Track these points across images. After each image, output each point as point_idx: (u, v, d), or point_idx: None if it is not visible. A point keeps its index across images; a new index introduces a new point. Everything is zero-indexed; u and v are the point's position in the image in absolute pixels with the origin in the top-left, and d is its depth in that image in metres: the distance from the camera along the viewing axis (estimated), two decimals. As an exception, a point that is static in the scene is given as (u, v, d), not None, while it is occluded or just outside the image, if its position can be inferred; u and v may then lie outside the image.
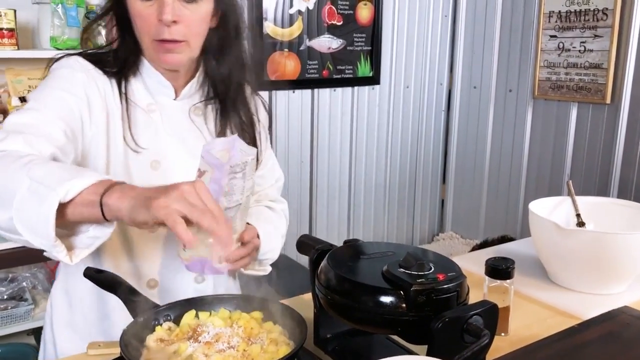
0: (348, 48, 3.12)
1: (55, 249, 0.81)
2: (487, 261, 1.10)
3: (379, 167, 3.44)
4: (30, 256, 2.19)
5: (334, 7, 3.02)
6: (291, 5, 2.89)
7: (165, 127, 1.15)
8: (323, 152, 3.19)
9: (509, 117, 3.29)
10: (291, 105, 3.02)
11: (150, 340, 0.85)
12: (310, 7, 2.95)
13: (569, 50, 2.92)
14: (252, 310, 0.93)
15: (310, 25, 2.96)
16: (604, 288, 1.24)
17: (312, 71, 3.02)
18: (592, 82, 2.83)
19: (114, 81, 1.12)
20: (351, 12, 3.09)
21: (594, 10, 2.79)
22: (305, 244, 1.13)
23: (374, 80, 3.26)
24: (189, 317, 0.91)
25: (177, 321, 0.91)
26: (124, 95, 1.12)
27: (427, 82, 3.52)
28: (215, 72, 1.15)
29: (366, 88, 3.26)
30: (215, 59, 1.14)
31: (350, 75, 3.16)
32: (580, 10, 2.84)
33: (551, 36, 2.99)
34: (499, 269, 1.08)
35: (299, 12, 2.92)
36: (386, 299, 0.86)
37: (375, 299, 0.87)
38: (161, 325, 0.89)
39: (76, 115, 1.04)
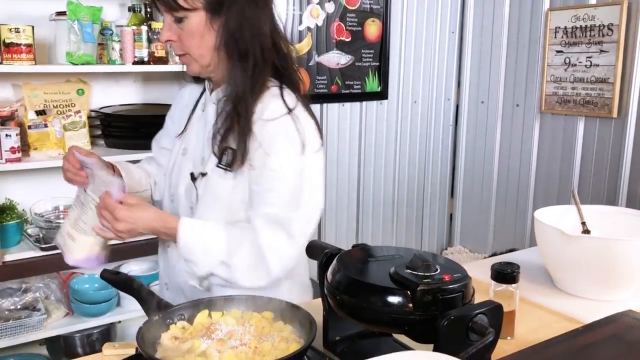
0: (356, 64, 3.17)
1: None
2: (492, 266, 1.12)
3: (387, 182, 3.46)
4: (42, 267, 2.23)
5: (342, 24, 3.07)
6: (300, 22, 2.94)
7: (199, 120, 1.34)
8: (331, 166, 3.22)
9: (516, 132, 3.32)
10: (300, 119, 3.06)
11: (165, 338, 0.88)
12: (319, 24, 3.00)
13: (575, 65, 2.95)
14: (263, 311, 0.96)
15: (319, 42, 3.02)
16: (610, 294, 1.26)
17: (321, 86, 3.06)
18: (599, 97, 2.86)
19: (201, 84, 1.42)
20: (359, 28, 3.14)
21: (599, 25, 2.82)
22: (315, 247, 1.16)
23: (382, 95, 3.30)
24: (202, 317, 0.94)
25: (190, 321, 0.94)
26: (198, 94, 1.41)
27: (435, 98, 3.55)
28: (229, 79, 1.23)
29: (374, 103, 3.30)
30: (227, 56, 1.21)
31: (359, 91, 3.21)
32: (586, 25, 2.88)
33: (557, 51, 3.02)
34: (505, 273, 1.10)
35: (308, 28, 2.97)
36: (394, 299, 0.89)
37: (383, 298, 0.90)
38: (175, 324, 0.92)
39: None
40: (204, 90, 1.36)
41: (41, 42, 2.29)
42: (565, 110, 3.02)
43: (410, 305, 0.88)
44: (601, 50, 2.83)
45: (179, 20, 1.19)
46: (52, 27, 2.27)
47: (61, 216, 2.32)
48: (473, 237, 3.66)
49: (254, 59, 1.20)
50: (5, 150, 2.09)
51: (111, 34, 2.35)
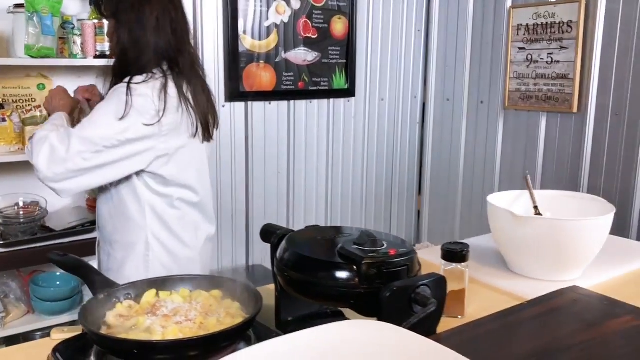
0: (323, 60, 3.18)
1: None
2: (442, 245, 1.14)
3: (355, 178, 3.48)
4: (1, 264, 2.19)
5: (308, 21, 3.09)
6: (267, 18, 2.95)
7: None
8: (300, 163, 3.23)
9: (481, 129, 3.37)
10: (268, 116, 3.06)
11: (111, 315, 0.87)
12: (285, 21, 3.01)
13: (537, 61, 3.01)
14: (212, 289, 0.96)
15: (286, 38, 3.02)
16: (560, 274, 1.28)
17: (287, 83, 3.07)
18: (560, 92, 2.92)
19: None
20: (326, 25, 3.16)
21: (559, 22, 2.88)
22: (268, 231, 1.16)
23: (349, 92, 3.32)
24: (149, 296, 0.93)
25: (137, 300, 0.93)
26: None
27: (402, 95, 3.59)
28: None
29: (342, 100, 3.32)
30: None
31: (326, 87, 3.22)
32: (547, 23, 2.94)
33: (520, 48, 3.08)
34: (454, 252, 1.12)
35: (275, 25, 2.98)
36: (340, 274, 0.90)
37: (330, 273, 0.90)
38: (122, 302, 0.91)
39: None
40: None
41: (-1, 35, 2.26)
42: (528, 107, 3.08)
43: (356, 279, 0.89)
44: (561, 47, 2.89)
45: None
46: (11, 19, 2.23)
47: (21, 212, 2.28)
48: (440, 233, 3.69)
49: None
50: (-38, 144, 2.06)
51: (72, 28, 2.33)
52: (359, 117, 3.41)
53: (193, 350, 0.79)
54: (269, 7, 2.94)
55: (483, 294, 1.25)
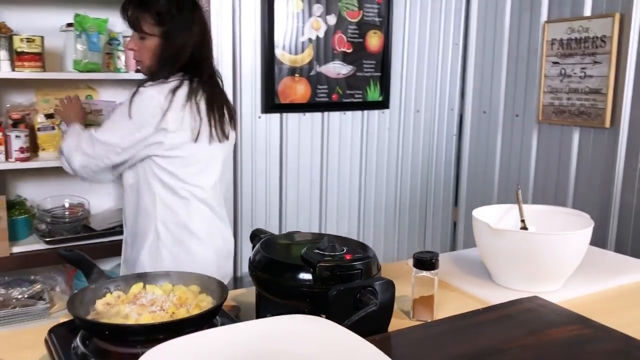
0: (357, 74, 3.28)
1: None
2: (414, 254, 1.22)
3: (389, 189, 3.55)
4: (48, 259, 2.41)
5: (343, 36, 3.20)
6: (303, 34, 3.08)
7: None
8: (333, 173, 3.33)
9: (516, 142, 3.37)
10: (302, 127, 3.19)
11: (99, 303, 1.01)
12: (321, 36, 3.13)
13: (570, 76, 3.00)
14: (191, 284, 1.08)
15: (320, 53, 3.14)
16: (538, 286, 1.33)
17: (322, 95, 3.19)
18: (592, 107, 2.90)
19: None
20: (361, 40, 3.26)
21: (593, 37, 2.87)
22: (255, 235, 1.27)
23: (383, 104, 3.40)
24: (136, 287, 1.06)
25: (127, 291, 1.06)
26: None
27: (438, 107, 3.63)
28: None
29: (376, 112, 3.41)
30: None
31: (360, 100, 3.32)
32: (581, 37, 2.93)
33: (554, 62, 3.07)
34: (424, 261, 1.20)
35: (310, 40, 3.11)
36: (298, 274, 1.00)
37: (290, 274, 1.01)
38: (112, 292, 1.05)
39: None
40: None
41: (53, 51, 2.48)
42: (561, 121, 3.07)
43: (311, 279, 0.99)
44: (595, 62, 2.87)
45: (143, 38, 1.78)
46: (63, 37, 2.46)
47: (66, 213, 2.50)
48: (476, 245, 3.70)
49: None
50: (15, 150, 2.28)
51: (118, 44, 2.54)
52: (394, 128, 3.49)
53: (161, 334, 0.91)
54: (304, 23, 3.08)
55: (459, 301, 1.32)
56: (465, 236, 3.78)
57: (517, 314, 1.05)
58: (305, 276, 0.99)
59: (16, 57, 2.26)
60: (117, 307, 0.99)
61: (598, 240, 2.93)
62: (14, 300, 2.42)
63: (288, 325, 0.83)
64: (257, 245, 1.09)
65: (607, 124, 2.84)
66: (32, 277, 2.53)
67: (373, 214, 3.53)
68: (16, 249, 2.34)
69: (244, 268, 3.11)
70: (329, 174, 3.32)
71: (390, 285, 0.98)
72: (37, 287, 2.50)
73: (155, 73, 1.76)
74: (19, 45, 2.26)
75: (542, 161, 3.23)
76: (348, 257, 1.01)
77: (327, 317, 0.95)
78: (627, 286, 1.41)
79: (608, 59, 2.81)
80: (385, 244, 3.61)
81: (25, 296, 2.46)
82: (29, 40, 2.26)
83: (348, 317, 0.93)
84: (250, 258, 1.09)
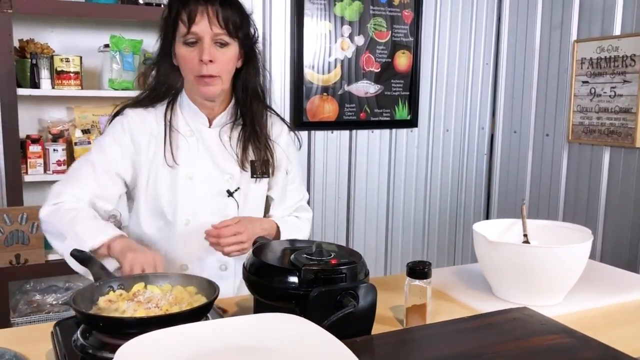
0: (386, 93, 3.33)
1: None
2: (407, 264, 1.25)
3: (417, 207, 3.56)
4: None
5: (371, 56, 3.26)
6: (330, 54, 3.16)
7: (200, 148, 1.52)
8: (360, 191, 3.37)
9: (546, 161, 3.34)
10: (329, 145, 3.25)
11: (102, 300, 1.08)
12: (349, 56, 3.20)
13: (600, 95, 2.97)
14: (188, 286, 1.14)
15: (349, 72, 3.21)
16: (538, 300, 1.34)
17: (350, 113, 3.25)
18: (622, 127, 2.86)
19: (159, 113, 1.50)
20: (389, 60, 3.31)
21: (622, 56, 2.84)
22: (256, 242, 1.33)
23: (411, 123, 3.44)
24: (138, 286, 1.13)
25: (129, 290, 1.14)
26: (168, 123, 1.50)
27: (469, 126, 3.64)
28: (239, 101, 1.54)
29: (404, 130, 3.44)
30: (240, 91, 1.53)
31: (388, 118, 3.36)
32: (610, 56, 2.90)
33: (583, 82, 3.05)
34: (417, 270, 1.23)
35: (338, 60, 3.18)
36: (285, 277, 1.05)
37: (277, 277, 1.06)
38: (114, 290, 1.12)
39: (126, 160, 1.48)
40: (166, 117, 1.50)
41: (91, 70, 2.64)
42: (591, 140, 3.03)
43: (297, 282, 1.03)
44: (624, 81, 2.84)
45: (223, 45, 1.42)
46: (100, 57, 2.61)
47: (100, 223, 2.62)
48: (506, 266, 3.66)
49: (262, 90, 1.58)
50: (53, 163, 2.43)
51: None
52: (422, 147, 3.51)
53: (152, 328, 0.97)
54: (333, 43, 3.16)
55: (453, 311, 1.34)
56: (495, 256, 3.74)
57: (501, 322, 1.06)
58: (292, 279, 1.04)
59: (56, 75, 2.41)
60: (117, 304, 1.06)
61: (631, 262, 2.86)
62: (48, 306, 2.55)
63: (264, 323, 0.88)
64: (250, 250, 1.15)
65: (638, 143, 2.79)
66: (66, 284, 2.66)
67: (401, 232, 3.54)
68: (51, 257, 2.47)
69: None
70: (357, 191, 3.36)
71: (371, 290, 1.02)
72: (72, 293, 2.62)
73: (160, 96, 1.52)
74: (59, 64, 2.41)
75: (572, 181, 3.18)
76: (333, 262, 1.05)
77: (307, 317, 0.99)
78: (630, 303, 1.40)
79: (638, 78, 2.77)
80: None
81: (60, 302, 2.59)
82: (68, 60, 2.41)
83: (326, 318, 0.97)
84: (244, 263, 1.15)
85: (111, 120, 1.53)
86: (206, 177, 1.52)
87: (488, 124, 3.70)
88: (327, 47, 3.15)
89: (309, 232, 1.72)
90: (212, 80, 1.43)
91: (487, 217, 3.79)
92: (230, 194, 1.53)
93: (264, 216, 1.63)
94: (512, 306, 1.33)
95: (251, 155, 1.54)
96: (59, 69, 2.41)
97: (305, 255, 1.07)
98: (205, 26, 1.39)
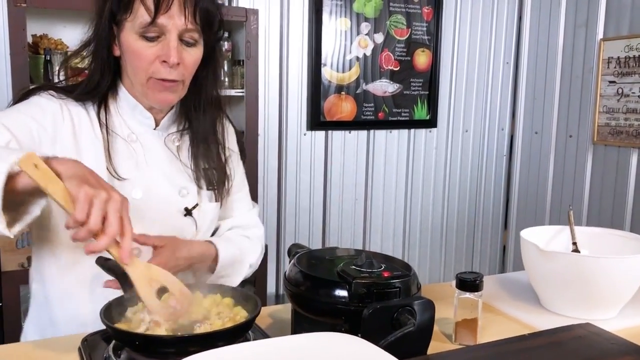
0: (404, 92, 3.24)
1: None
2: (457, 275, 1.16)
3: (435, 209, 3.48)
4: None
5: (391, 54, 3.17)
6: (350, 52, 3.07)
7: (146, 157, 1.23)
8: (378, 192, 3.29)
9: (569, 163, 3.25)
10: (347, 145, 3.17)
11: (130, 312, 1.00)
12: (368, 54, 3.12)
13: (628, 95, 2.88)
14: (226, 297, 1.05)
15: (367, 71, 3.13)
16: (591, 313, 1.25)
17: (368, 113, 3.16)
18: (652, 128, 2.77)
19: (91, 111, 1.19)
20: (408, 58, 3.22)
21: (652, 55, 2.76)
22: (292, 251, 1.25)
23: (431, 123, 3.35)
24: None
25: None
26: (104, 126, 1.19)
27: (488, 127, 3.55)
28: (191, 106, 1.26)
29: (423, 131, 3.35)
30: (193, 95, 1.25)
31: (407, 118, 3.28)
32: (639, 55, 2.81)
33: (610, 82, 2.96)
34: (467, 282, 1.14)
35: (357, 58, 3.09)
36: (333, 291, 0.97)
37: (324, 290, 0.97)
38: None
39: (35, 141, 1.11)
40: (101, 117, 1.21)
41: (105, 67, 2.55)
42: (618, 142, 2.94)
43: (347, 296, 0.95)
44: (654, 80, 2.75)
45: (191, 45, 1.15)
46: (115, 54, 2.52)
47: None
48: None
49: (219, 97, 1.30)
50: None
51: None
52: (441, 148, 3.42)
53: (192, 347, 0.89)
54: (352, 41, 3.07)
55: (504, 325, 1.25)
56: (515, 260, 3.65)
57: (567, 341, 0.98)
58: (341, 293, 0.95)
59: (70, 72, 2.33)
60: (142, 314, 0.98)
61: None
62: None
63: (321, 343, 0.80)
64: (293, 260, 1.07)
65: (668, 145, 2.70)
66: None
67: (419, 234, 3.45)
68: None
69: (286, 286, 3.09)
70: (374, 192, 3.28)
71: (429, 306, 0.93)
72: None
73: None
74: (74, 61, 2.32)
75: (597, 184, 3.09)
76: (386, 274, 0.96)
77: (362, 336, 0.91)
78: (689, 317, 1.31)
79: (669, 78, 2.68)
80: (431, 265, 3.53)
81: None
82: (84, 57, 2.32)
83: (384, 337, 0.89)
84: (285, 273, 1.07)
85: (23, 95, 1.20)
86: (159, 193, 1.23)
87: (508, 124, 3.61)
88: (345, 44, 3.06)
89: (261, 253, 1.42)
90: (174, 86, 1.16)
91: (506, 221, 3.70)
92: (188, 212, 1.26)
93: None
94: (564, 319, 1.24)
95: (204, 166, 1.30)
96: (73, 65, 2.32)
97: (354, 267, 0.99)
98: (175, 18, 1.11)
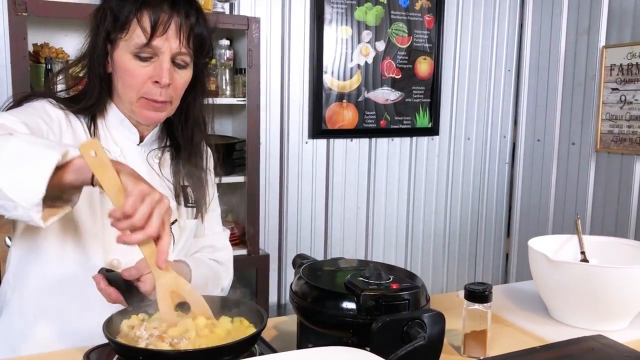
0: (406, 100, 3.23)
1: (35, 208, 0.89)
2: (465, 285, 1.14)
3: (437, 217, 3.46)
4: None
5: (392, 62, 3.16)
6: (351, 60, 3.06)
7: None
8: (380, 200, 3.27)
9: (572, 171, 3.23)
10: (349, 153, 3.15)
11: (125, 325, 0.97)
12: (369, 62, 3.11)
13: (631, 102, 2.86)
14: (230, 313, 1.02)
15: (369, 78, 3.11)
16: (601, 324, 1.23)
17: (369, 121, 3.15)
18: (655, 135, 2.76)
19: (84, 122, 1.21)
20: (410, 66, 3.21)
21: (655, 62, 2.74)
22: (297, 262, 1.23)
23: (433, 131, 3.33)
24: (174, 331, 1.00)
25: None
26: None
27: (490, 135, 3.54)
28: (176, 125, 1.28)
29: (425, 138, 3.34)
30: (179, 115, 1.26)
31: (409, 126, 3.26)
32: (642, 62, 2.80)
33: (613, 89, 2.95)
34: (476, 293, 1.12)
35: (358, 66, 3.08)
36: (341, 303, 0.95)
37: (332, 302, 0.95)
38: (137, 315, 1.00)
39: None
40: (92, 130, 1.22)
41: (106, 76, 2.53)
42: (621, 149, 2.93)
43: (355, 309, 0.93)
44: (658, 88, 2.74)
45: (182, 67, 1.17)
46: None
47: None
48: (529, 277, 3.54)
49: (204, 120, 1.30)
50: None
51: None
52: (443, 155, 3.41)
53: (196, 362, 0.87)
54: (353, 49, 3.06)
55: (513, 337, 1.23)
56: (518, 268, 3.63)
57: (580, 354, 0.96)
58: (349, 305, 0.93)
59: (71, 81, 2.31)
60: (139, 331, 0.95)
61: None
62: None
63: (331, 358, 0.78)
64: (299, 272, 1.05)
65: (672, 153, 2.69)
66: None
67: (421, 243, 3.43)
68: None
69: (288, 295, 3.06)
70: (376, 200, 3.26)
71: (440, 318, 0.91)
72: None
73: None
74: (75, 70, 2.31)
75: (600, 192, 3.08)
76: (395, 286, 0.95)
77: (371, 350, 0.89)
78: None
79: (672, 85, 2.67)
80: (434, 274, 3.50)
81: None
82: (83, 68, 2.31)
83: (393, 351, 0.87)
84: (291, 285, 1.05)
85: (20, 102, 1.19)
86: None
87: (510, 132, 3.59)
88: (347, 52, 3.05)
89: (231, 278, 1.39)
90: (163, 107, 1.18)
91: (509, 229, 3.68)
92: None
93: None
94: (573, 330, 1.22)
95: (184, 183, 1.31)
96: (74, 74, 2.31)
97: (361, 279, 0.97)
98: (171, 41, 1.13)
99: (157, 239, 0.91)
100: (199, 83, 1.25)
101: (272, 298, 2.98)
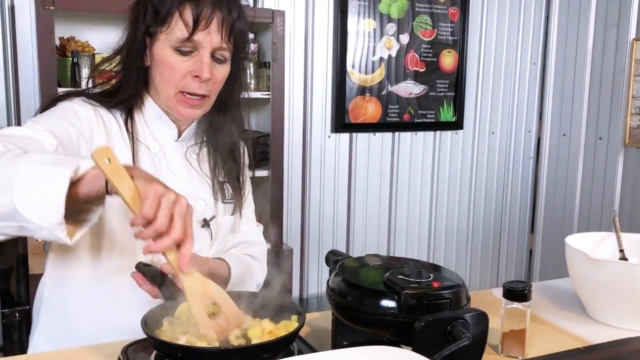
0: (430, 93, 3.20)
1: (59, 228, 0.86)
2: (504, 284, 1.12)
3: (461, 212, 3.42)
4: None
5: (416, 55, 3.13)
6: (374, 53, 3.03)
7: (170, 167, 1.22)
8: (403, 194, 3.24)
9: (599, 166, 3.18)
10: (372, 147, 3.13)
11: (166, 321, 0.97)
12: (393, 55, 3.08)
13: (661, 96, 2.81)
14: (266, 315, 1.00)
15: (392, 72, 3.08)
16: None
17: (393, 115, 3.12)
18: (687, 130, 2.70)
19: (119, 118, 1.19)
20: (434, 59, 3.18)
21: (688, 55, 2.68)
22: (330, 258, 1.21)
23: (457, 125, 3.30)
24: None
25: None
26: (131, 135, 1.18)
27: (515, 129, 3.49)
28: (214, 121, 1.25)
29: (449, 133, 3.30)
30: (216, 110, 1.24)
31: (432, 120, 3.23)
32: (674, 55, 2.74)
33: (643, 82, 2.89)
34: (515, 292, 1.09)
35: (381, 59, 3.05)
36: (381, 301, 0.93)
37: (372, 300, 0.94)
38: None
39: (74, 147, 1.10)
40: (128, 126, 1.19)
41: (131, 69, 2.53)
42: (651, 144, 2.87)
43: (396, 307, 0.91)
44: (690, 81, 2.68)
45: (222, 62, 1.16)
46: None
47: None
48: (553, 274, 3.50)
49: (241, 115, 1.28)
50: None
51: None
52: (467, 150, 3.37)
53: (235, 359, 0.86)
54: (377, 42, 3.03)
55: (552, 336, 1.20)
56: (542, 265, 3.59)
57: (626, 355, 0.93)
58: (389, 303, 0.92)
59: (97, 75, 2.32)
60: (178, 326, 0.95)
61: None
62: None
63: (376, 358, 0.76)
64: (336, 268, 1.03)
65: None
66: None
67: (444, 238, 3.40)
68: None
69: (311, 290, 3.06)
70: (399, 195, 3.23)
71: (483, 318, 0.89)
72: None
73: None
74: (109, 64, 2.31)
75: (628, 187, 3.02)
76: (436, 284, 0.93)
77: (413, 350, 0.87)
78: None
79: None
80: (457, 270, 3.42)
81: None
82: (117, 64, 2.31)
83: (436, 351, 0.85)
84: (327, 282, 1.03)
85: (54, 102, 1.17)
86: None
87: (535, 126, 3.54)
88: (370, 45, 3.02)
89: (265, 273, 1.38)
90: (199, 104, 1.16)
91: (533, 225, 3.63)
92: (206, 223, 1.26)
93: None
94: (614, 331, 1.19)
95: (222, 179, 1.30)
96: (100, 67, 2.31)
97: (401, 277, 0.95)
98: (212, 36, 1.12)
99: (178, 243, 0.87)
100: (237, 78, 1.23)
101: (295, 292, 2.97)
